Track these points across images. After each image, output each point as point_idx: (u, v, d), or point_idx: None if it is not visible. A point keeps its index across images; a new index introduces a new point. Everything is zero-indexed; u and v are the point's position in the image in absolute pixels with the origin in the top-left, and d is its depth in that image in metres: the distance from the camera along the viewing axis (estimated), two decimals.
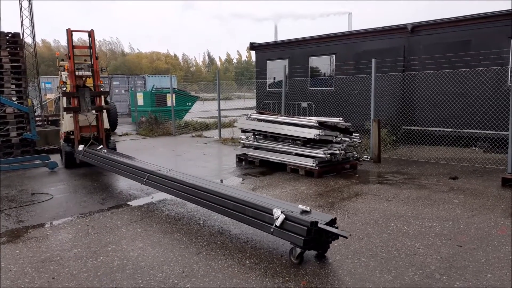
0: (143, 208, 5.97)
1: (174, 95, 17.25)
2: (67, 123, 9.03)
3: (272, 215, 3.97)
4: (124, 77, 28.87)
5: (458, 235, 4.58)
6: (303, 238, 3.69)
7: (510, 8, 10.33)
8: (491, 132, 10.15)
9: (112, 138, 9.43)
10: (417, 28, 11.82)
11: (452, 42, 10.99)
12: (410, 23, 11.93)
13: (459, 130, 10.65)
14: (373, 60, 9.75)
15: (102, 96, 9.30)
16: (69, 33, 8.27)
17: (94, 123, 8.68)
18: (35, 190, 7.24)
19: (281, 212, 3.91)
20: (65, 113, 9.10)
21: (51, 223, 5.38)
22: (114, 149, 9.01)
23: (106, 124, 9.09)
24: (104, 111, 9.04)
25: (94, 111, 8.63)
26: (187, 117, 20.73)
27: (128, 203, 6.30)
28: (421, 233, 4.64)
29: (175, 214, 5.60)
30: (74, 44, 8.37)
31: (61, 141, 9.70)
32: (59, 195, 6.83)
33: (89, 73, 9.35)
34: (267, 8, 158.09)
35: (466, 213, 5.37)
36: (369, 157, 9.28)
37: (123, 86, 27.24)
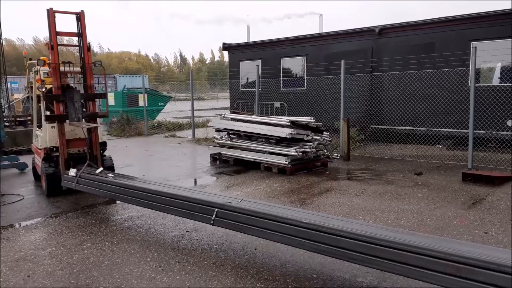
0: (118, 206, 5.99)
1: (146, 95, 17.10)
2: (48, 135, 6.56)
3: None
4: (94, 77, 28.29)
5: (421, 226, 4.88)
6: None
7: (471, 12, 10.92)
8: (454, 130, 10.68)
9: (106, 154, 7.11)
10: (384, 31, 12.27)
11: (417, 44, 11.49)
12: (378, 26, 12.37)
13: (424, 128, 11.14)
14: (342, 61, 10.09)
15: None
16: (51, 14, 5.98)
17: (82, 135, 6.42)
18: (5, 191, 7.09)
19: None
20: (45, 122, 6.58)
21: (24, 224, 5.32)
22: (112, 167, 6.87)
23: (101, 137, 6.84)
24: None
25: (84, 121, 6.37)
26: (160, 117, 20.59)
27: (103, 201, 6.29)
28: (387, 225, 4.91)
29: (150, 211, 5.65)
30: (58, 31, 6.11)
31: (37, 158, 7.31)
32: (30, 196, 6.73)
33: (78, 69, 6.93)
34: (208, 10, 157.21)
35: (429, 206, 5.70)
36: (339, 155, 9.58)
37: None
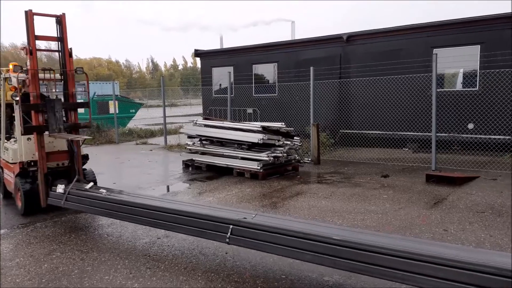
0: (88, 214, 5.92)
1: (117, 102, 16.90)
2: (23, 148, 6.05)
3: None
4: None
5: (386, 226, 5.09)
6: None
7: (431, 20, 11.45)
8: (419, 133, 11.12)
9: (87, 168, 6.59)
10: (352, 38, 12.66)
11: (384, 51, 11.91)
12: (346, 33, 12.75)
13: (391, 132, 11.53)
14: (311, 68, 10.35)
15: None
16: (30, 16, 5.56)
17: (61, 147, 6.12)
18: None
19: None
20: (19, 133, 5.94)
21: None
22: (95, 181, 6.28)
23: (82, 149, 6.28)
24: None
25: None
26: (131, 125, 20.34)
27: (73, 211, 6.19)
28: (353, 226, 5.09)
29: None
30: (37, 35, 5.66)
31: (8, 173, 6.67)
32: None
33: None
34: (173, 17, 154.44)
35: (394, 206, 5.94)
36: (309, 159, 9.80)
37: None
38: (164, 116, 14.23)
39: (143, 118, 21.94)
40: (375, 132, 11.85)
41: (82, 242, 4.80)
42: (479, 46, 10.62)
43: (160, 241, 4.76)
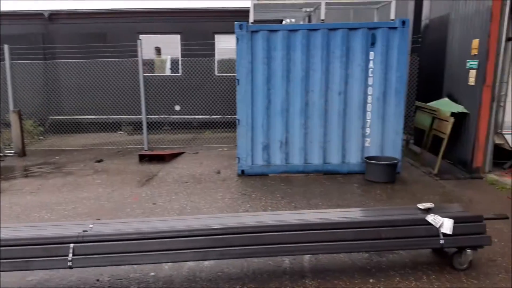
0: None
1: None
2: None
3: (430, 224, 3.20)
4: None
5: (99, 210, 5.09)
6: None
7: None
8: (133, 116, 11.51)
9: None
10: (55, 16, 11.66)
11: (90, 33, 11.54)
12: (48, 10, 11.61)
13: (105, 116, 11.44)
14: (6, 46, 8.93)
15: None
16: None
17: None
18: None
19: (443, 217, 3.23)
20: None
21: None
22: None
23: None
24: None
25: None
26: None
27: None
28: (63, 216, 4.85)
29: None
30: None
31: None
32: None
33: None
34: None
35: (107, 190, 6.00)
36: (13, 151, 8.54)
37: None
38: None
39: None
40: (89, 117, 11.49)
41: None
42: (179, 35, 11.86)
43: None
